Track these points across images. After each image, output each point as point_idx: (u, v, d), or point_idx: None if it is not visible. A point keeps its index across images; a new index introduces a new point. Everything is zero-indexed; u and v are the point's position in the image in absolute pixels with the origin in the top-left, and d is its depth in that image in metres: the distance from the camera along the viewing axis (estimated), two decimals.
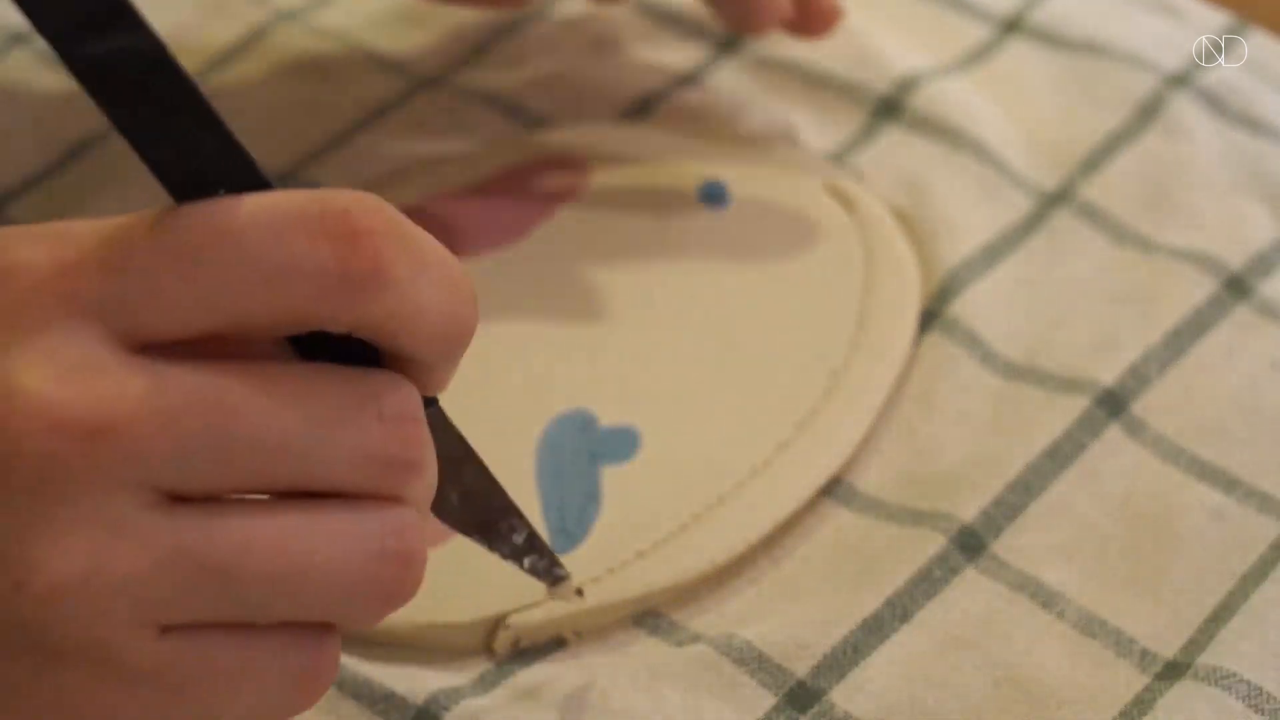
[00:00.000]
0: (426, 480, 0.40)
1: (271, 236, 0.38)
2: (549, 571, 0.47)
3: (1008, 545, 0.52)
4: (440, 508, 0.42)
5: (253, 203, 0.38)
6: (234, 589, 0.38)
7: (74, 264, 0.38)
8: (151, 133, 0.38)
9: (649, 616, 0.51)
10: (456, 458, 0.43)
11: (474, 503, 0.44)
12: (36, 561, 0.37)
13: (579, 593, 0.49)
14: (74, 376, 0.37)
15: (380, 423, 0.39)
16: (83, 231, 0.38)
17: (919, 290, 0.57)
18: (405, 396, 0.39)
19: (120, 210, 0.62)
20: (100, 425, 0.37)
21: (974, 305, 0.57)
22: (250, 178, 0.38)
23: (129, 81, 0.37)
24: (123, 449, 0.37)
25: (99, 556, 0.37)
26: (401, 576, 0.40)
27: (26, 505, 0.37)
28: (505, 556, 0.46)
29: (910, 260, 0.58)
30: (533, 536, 0.46)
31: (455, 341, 0.40)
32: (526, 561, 0.46)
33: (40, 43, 0.67)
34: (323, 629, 0.40)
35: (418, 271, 0.39)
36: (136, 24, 0.36)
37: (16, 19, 0.68)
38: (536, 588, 0.50)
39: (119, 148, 0.64)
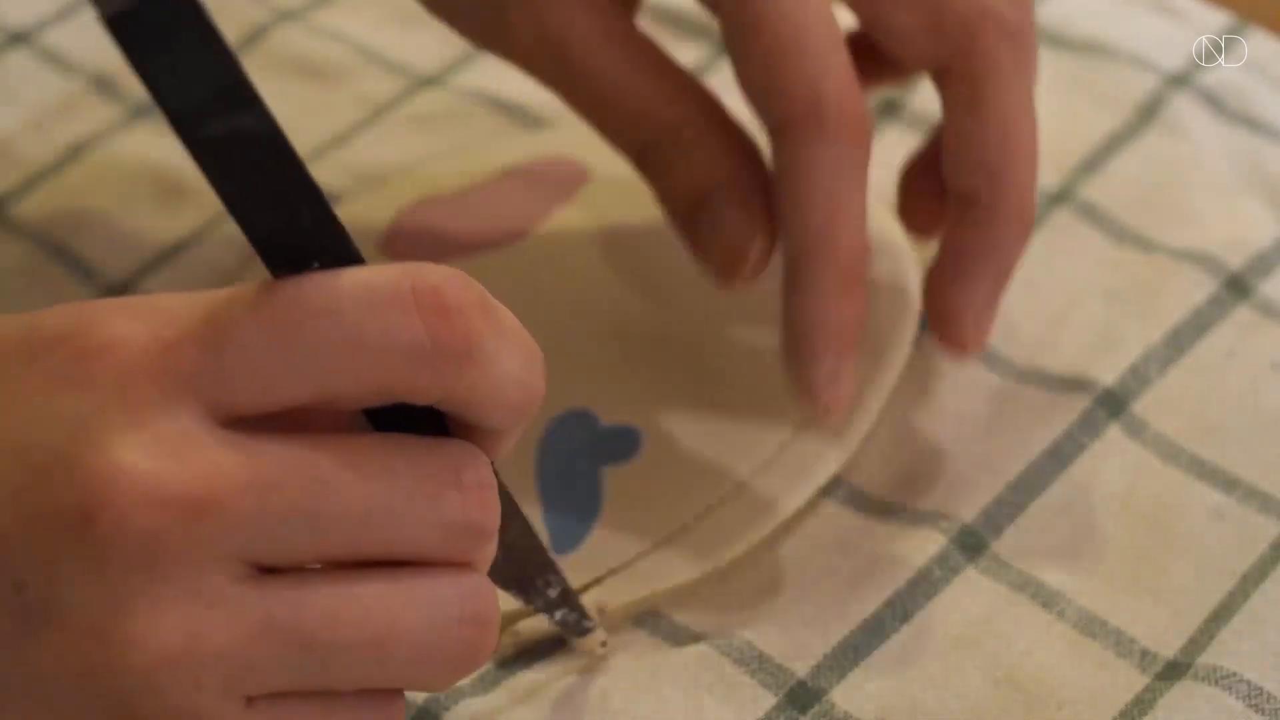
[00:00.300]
0: (494, 544, 0.41)
1: (368, 312, 0.39)
2: (578, 625, 0.49)
3: (1008, 545, 0.52)
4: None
5: (348, 279, 0.39)
6: (321, 659, 0.39)
7: (174, 342, 0.38)
8: (256, 206, 0.39)
9: (649, 616, 0.51)
10: (505, 514, 0.43)
11: (515, 558, 0.46)
12: (135, 637, 0.38)
13: (604, 645, 0.49)
14: (173, 453, 0.38)
15: (459, 492, 0.40)
16: (178, 307, 0.39)
17: (920, 290, 0.57)
18: (480, 465, 0.41)
19: (119, 212, 0.62)
20: (200, 501, 0.38)
21: None
22: (343, 250, 0.40)
23: (242, 158, 0.38)
24: (220, 524, 0.38)
25: (195, 631, 0.38)
26: (479, 641, 0.41)
27: (125, 580, 0.38)
28: (539, 609, 0.47)
29: (911, 260, 0.58)
30: (566, 591, 0.47)
31: (526, 411, 0.41)
32: (558, 615, 0.48)
33: (41, 42, 0.67)
34: (394, 691, 0.41)
35: (502, 345, 0.40)
36: (256, 104, 0.37)
37: (16, 19, 0.68)
38: None
39: (119, 148, 0.64)
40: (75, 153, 0.64)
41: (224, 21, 0.69)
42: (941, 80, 0.51)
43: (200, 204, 0.62)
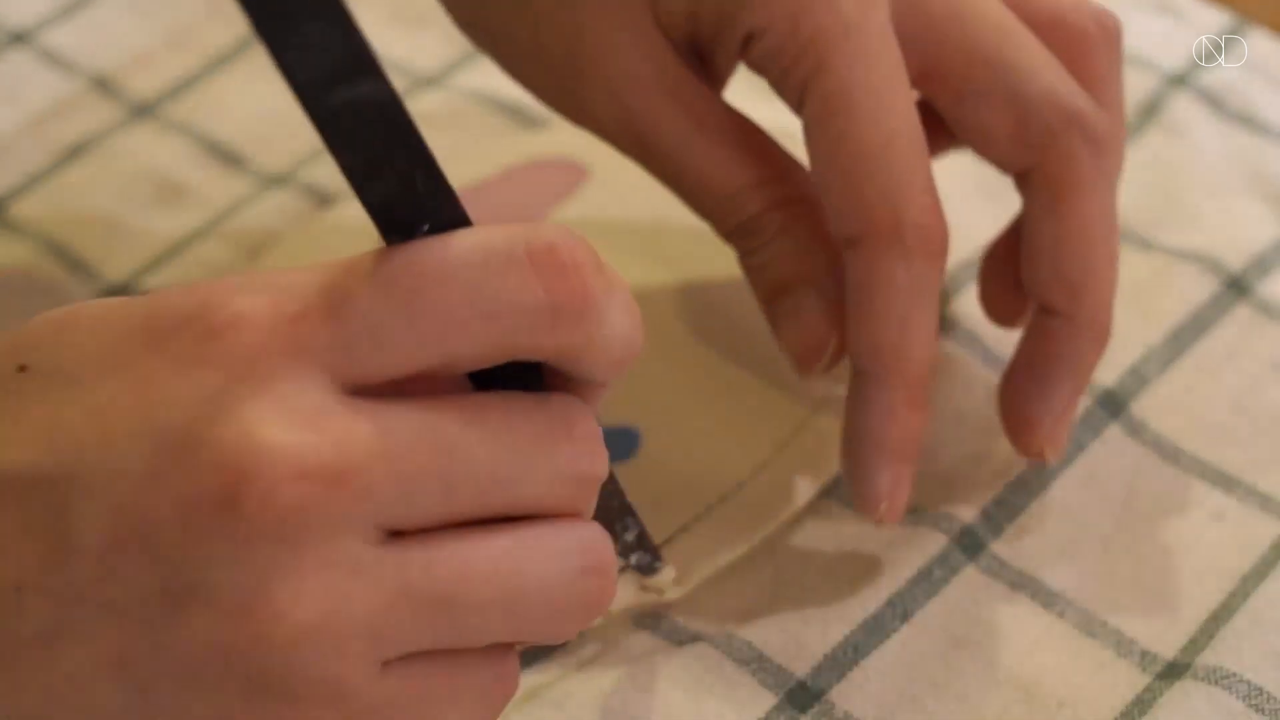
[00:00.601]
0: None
1: (486, 274, 0.39)
2: (650, 566, 0.49)
3: (1008, 545, 0.52)
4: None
5: (463, 241, 0.39)
6: (454, 618, 0.40)
7: (298, 314, 0.39)
8: (374, 173, 0.39)
9: (649, 616, 0.51)
10: None
11: (600, 504, 0.46)
12: (280, 610, 0.38)
13: (675, 582, 0.50)
14: (309, 425, 0.38)
15: (571, 444, 0.41)
16: (297, 280, 0.39)
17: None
18: (587, 416, 0.41)
19: (118, 211, 0.62)
20: (339, 471, 0.38)
21: (974, 305, 0.57)
22: (453, 213, 0.40)
23: (364, 126, 0.38)
24: (358, 492, 0.38)
25: (337, 599, 0.38)
26: (600, 590, 0.41)
27: (270, 555, 0.38)
28: (618, 554, 0.48)
29: None
30: (642, 534, 0.48)
31: (628, 363, 0.41)
32: (634, 558, 0.49)
33: (41, 42, 0.67)
34: (509, 645, 0.42)
35: (612, 301, 0.40)
36: (378, 74, 0.38)
37: (16, 19, 0.68)
38: None
39: (119, 148, 0.64)
40: (75, 153, 0.64)
41: (224, 21, 0.70)
42: (1023, 180, 0.51)
43: (200, 204, 0.62)
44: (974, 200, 0.60)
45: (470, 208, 0.60)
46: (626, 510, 0.48)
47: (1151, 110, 0.62)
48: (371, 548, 0.39)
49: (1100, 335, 0.51)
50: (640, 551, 0.49)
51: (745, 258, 0.51)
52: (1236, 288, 0.57)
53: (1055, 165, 0.49)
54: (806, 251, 0.50)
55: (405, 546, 0.39)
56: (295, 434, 0.38)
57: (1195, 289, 0.57)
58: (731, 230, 0.51)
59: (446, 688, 0.41)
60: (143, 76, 0.66)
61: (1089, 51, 0.51)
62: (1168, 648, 0.50)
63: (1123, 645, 0.50)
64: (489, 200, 0.60)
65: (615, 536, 0.48)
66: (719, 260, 0.58)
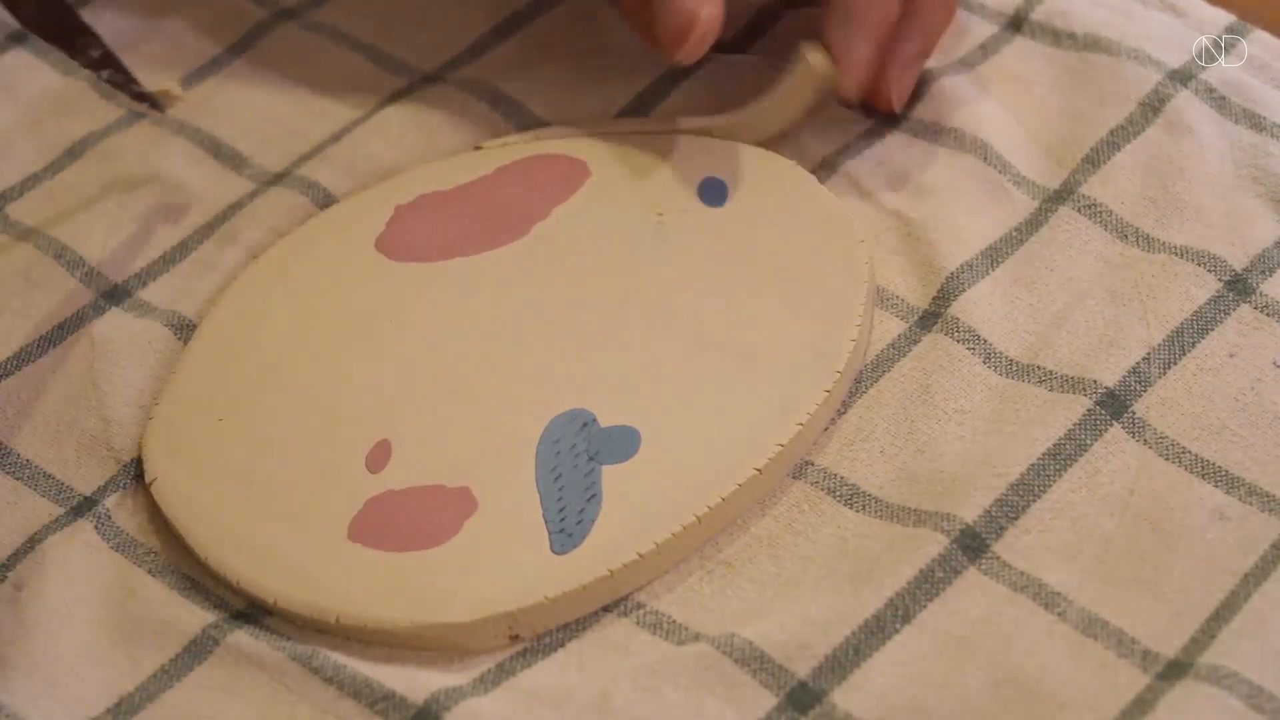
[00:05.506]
0: None
1: None
2: (128, 86, 0.59)
3: (1009, 546, 0.52)
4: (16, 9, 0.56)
5: None
6: None
7: None
8: None
9: (649, 615, 0.51)
10: None
11: (50, 14, 0.56)
12: None
13: (167, 94, 0.60)
14: None
15: None
16: None
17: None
18: None
19: (118, 212, 0.62)
20: None
21: (976, 303, 0.57)
22: None
23: None
24: None
25: None
26: None
27: None
28: (85, 66, 0.58)
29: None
30: (109, 55, 0.58)
31: None
32: (105, 74, 0.58)
33: (40, 41, 0.67)
34: None
35: None
36: None
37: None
38: (538, 587, 0.50)
39: (119, 148, 0.64)
40: (75, 153, 0.64)
41: (224, 20, 0.70)
42: None
43: (201, 204, 0.62)
44: (977, 198, 0.60)
45: (471, 206, 0.60)
46: (85, 30, 0.56)
47: (1154, 108, 0.61)
48: None
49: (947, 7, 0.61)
50: (110, 69, 0.58)
51: None
52: (1238, 287, 0.57)
53: None
54: None
55: None
56: None
57: (1197, 288, 0.57)
58: None
59: None
60: (143, 76, 0.66)
61: None
62: (1169, 648, 0.50)
63: (1124, 645, 0.50)
64: (489, 198, 0.60)
65: (79, 52, 0.57)
66: (719, 257, 0.58)
